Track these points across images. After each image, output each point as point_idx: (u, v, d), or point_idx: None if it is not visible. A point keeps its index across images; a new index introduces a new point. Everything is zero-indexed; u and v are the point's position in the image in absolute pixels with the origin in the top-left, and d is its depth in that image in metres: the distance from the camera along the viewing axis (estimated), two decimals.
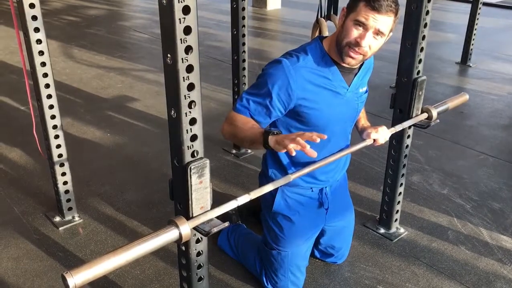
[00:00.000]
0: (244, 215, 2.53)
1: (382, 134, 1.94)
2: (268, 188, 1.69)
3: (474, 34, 5.32)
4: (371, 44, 1.71)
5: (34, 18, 2.16)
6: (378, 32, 1.69)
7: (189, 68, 1.26)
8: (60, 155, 2.48)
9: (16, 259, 2.36)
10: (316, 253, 2.33)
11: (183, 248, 1.55)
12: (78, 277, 1.18)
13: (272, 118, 1.82)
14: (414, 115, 2.21)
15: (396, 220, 2.58)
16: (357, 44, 1.71)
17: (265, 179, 2.02)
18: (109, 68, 5.27)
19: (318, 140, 1.47)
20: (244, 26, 3.22)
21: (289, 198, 2.01)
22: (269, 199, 2.02)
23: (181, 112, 1.30)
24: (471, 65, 5.44)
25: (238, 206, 1.53)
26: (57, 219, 2.63)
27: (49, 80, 2.31)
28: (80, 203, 2.75)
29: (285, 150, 1.51)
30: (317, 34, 2.76)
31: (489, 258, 2.41)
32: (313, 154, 1.46)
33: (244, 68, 3.36)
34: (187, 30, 1.21)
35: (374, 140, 1.94)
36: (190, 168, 1.35)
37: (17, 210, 2.74)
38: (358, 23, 1.69)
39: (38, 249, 2.42)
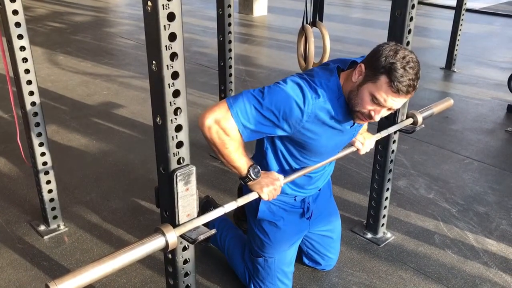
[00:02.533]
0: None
1: (366, 144, 2.01)
2: (254, 195, 1.69)
3: (458, 40, 5.38)
4: (383, 115, 1.69)
5: (18, 24, 2.14)
6: (393, 108, 1.66)
7: (175, 75, 1.26)
8: (44, 163, 2.45)
9: None
10: (305, 260, 2.33)
11: (170, 256, 1.54)
12: (63, 287, 1.16)
13: (264, 134, 1.75)
14: (399, 120, 2.23)
15: (383, 225, 2.59)
16: (370, 117, 1.67)
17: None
18: (95, 75, 5.24)
19: None
20: (230, 32, 3.23)
21: (273, 205, 2.01)
22: (253, 206, 2.02)
23: (167, 119, 1.30)
24: (455, 70, 5.50)
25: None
26: (42, 227, 2.60)
27: (33, 87, 2.29)
28: (65, 211, 2.72)
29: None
30: (302, 40, 2.78)
31: (475, 262, 2.43)
32: None
33: (230, 74, 3.36)
34: (172, 37, 1.21)
35: (358, 148, 2.00)
36: (176, 175, 1.34)
37: (1, 219, 2.70)
38: (375, 100, 1.61)
39: (22, 259, 2.39)
